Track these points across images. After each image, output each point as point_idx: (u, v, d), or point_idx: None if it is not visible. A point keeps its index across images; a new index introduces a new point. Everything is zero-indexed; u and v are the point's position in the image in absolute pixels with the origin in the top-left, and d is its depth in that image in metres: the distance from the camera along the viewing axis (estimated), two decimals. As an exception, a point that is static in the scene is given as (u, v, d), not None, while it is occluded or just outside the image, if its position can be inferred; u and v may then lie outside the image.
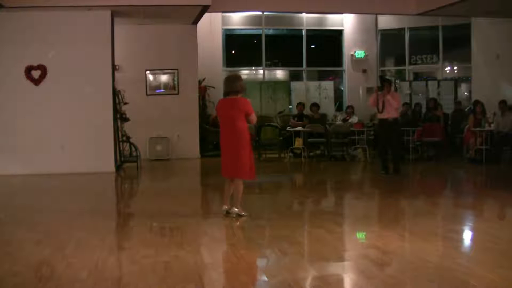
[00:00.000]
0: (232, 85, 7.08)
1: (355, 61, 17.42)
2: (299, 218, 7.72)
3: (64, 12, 11.66)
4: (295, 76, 18.04)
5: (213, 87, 15.76)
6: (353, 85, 17.43)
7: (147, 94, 14.55)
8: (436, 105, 14.73)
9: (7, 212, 8.11)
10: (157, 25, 14.16)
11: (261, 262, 5.42)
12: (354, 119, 14.48)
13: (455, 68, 17.55)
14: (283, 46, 17.92)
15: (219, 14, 15.94)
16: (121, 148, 12.69)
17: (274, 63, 17.71)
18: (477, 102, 13.54)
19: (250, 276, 4.91)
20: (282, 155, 14.46)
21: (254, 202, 8.45)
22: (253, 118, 7.07)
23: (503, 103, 13.03)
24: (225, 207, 7.12)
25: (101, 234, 6.41)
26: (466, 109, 15.15)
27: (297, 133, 13.72)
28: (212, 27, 15.99)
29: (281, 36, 17.99)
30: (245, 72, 17.34)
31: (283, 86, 17.62)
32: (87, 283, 4.62)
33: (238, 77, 7.27)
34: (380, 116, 11.04)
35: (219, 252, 5.79)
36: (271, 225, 6.90)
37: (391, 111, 10.83)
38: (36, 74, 11.75)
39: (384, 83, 11.12)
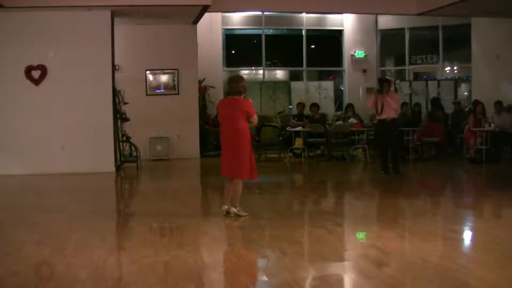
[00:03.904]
0: (234, 85, 7.09)
1: (355, 61, 17.42)
2: (299, 218, 7.73)
3: (64, 12, 11.66)
4: (295, 76, 18.03)
5: (213, 87, 15.77)
6: (353, 85, 17.42)
7: (147, 94, 14.54)
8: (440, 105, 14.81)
9: (7, 212, 8.11)
10: (157, 25, 14.15)
11: (261, 262, 5.43)
12: (352, 120, 14.45)
13: (455, 68, 17.54)
14: (283, 46, 17.90)
15: (219, 14, 15.93)
16: (121, 148, 12.69)
17: (274, 63, 17.70)
18: (477, 102, 13.55)
19: (250, 276, 4.91)
20: (282, 155, 14.45)
21: (254, 202, 8.45)
22: (255, 119, 7.08)
23: (498, 103, 13.10)
24: (225, 207, 7.13)
25: (101, 234, 6.42)
26: (466, 109, 15.16)
27: (297, 133, 13.71)
28: (212, 27, 15.98)
29: (281, 36, 17.97)
30: (245, 72, 17.31)
31: (283, 86, 17.62)
32: (87, 283, 4.62)
33: (240, 78, 7.27)
34: (379, 116, 11.04)
35: (219, 252, 5.80)
36: (271, 225, 6.90)
37: (390, 112, 10.83)
38: (36, 74, 11.75)
39: (384, 83, 11.12)
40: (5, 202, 9.15)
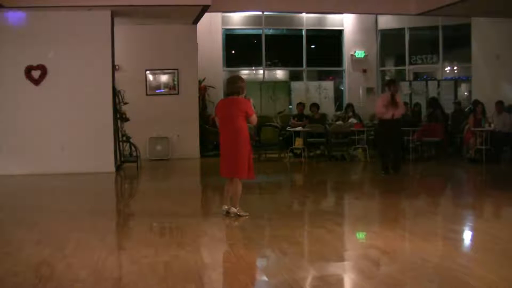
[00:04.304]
0: (233, 86, 7.10)
1: (355, 61, 17.42)
2: (299, 218, 7.73)
3: (64, 12, 11.66)
4: (295, 76, 18.02)
5: (213, 87, 15.77)
6: (353, 85, 17.43)
7: (147, 94, 14.54)
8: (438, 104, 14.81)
9: (7, 212, 8.11)
10: (157, 25, 14.15)
11: (261, 262, 5.42)
12: (352, 120, 14.46)
13: (455, 68, 17.54)
14: (283, 46, 17.89)
15: (219, 14, 15.94)
16: (121, 148, 12.69)
17: (274, 63, 17.69)
18: (477, 102, 13.56)
19: (250, 276, 4.91)
20: (282, 155, 14.45)
21: (254, 202, 8.45)
22: (254, 119, 7.08)
23: (499, 103, 13.11)
24: (225, 207, 7.13)
25: (101, 234, 6.42)
26: (466, 109, 15.16)
27: (297, 133, 13.71)
28: (212, 27, 15.99)
29: (281, 36, 17.96)
30: (245, 72, 17.33)
31: (283, 86, 17.61)
32: (87, 283, 4.62)
33: (239, 78, 7.26)
34: (381, 116, 10.99)
35: (219, 252, 5.80)
36: (271, 225, 6.91)
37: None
38: (36, 74, 11.75)
39: (395, 84, 11.16)
40: (5, 202, 9.14)
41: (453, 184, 11.12)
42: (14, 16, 11.45)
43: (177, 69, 14.62)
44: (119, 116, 12.43)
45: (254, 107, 7.33)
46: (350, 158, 13.70)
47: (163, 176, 12.79)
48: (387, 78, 17.14)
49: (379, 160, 11.65)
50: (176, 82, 14.68)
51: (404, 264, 5.11)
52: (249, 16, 16.85)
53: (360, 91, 17.36)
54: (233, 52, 17.30)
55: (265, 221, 7.14)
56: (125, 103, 12.58)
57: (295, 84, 17.59)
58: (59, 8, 11.47)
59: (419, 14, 14.20)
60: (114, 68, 12.49)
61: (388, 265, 5.09)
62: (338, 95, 17.79)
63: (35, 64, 11.71)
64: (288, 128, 14.28)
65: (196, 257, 5.39)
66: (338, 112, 16.70)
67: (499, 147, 12.88)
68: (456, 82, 16.99)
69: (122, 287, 4.57)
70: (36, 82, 11.74)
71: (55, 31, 11.73)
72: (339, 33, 17.53)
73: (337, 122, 14.69)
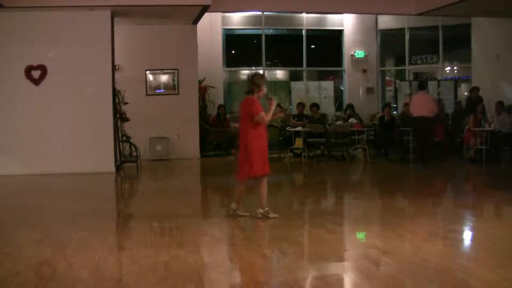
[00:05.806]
0: (248, 84, 7.11)
1: (355, 61, 17.42)
2: (299, 218, 7.73)
3: (64, 12, 11.66)
4: (295, 76, 18.01)
5: (213, 87, 15.76)
6: (353, 85, 17.42)
7: (147, 94, 14.54)
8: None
9: (8, 212, 8.12)
10: (157, 25, 14.15)
11: (261, 262, 5.43)
12: (352, 120, 14.46)
13: (455, 68, 17.54)
14: (283, 46, 17.89)
15: (219, 14, 15.93)
16: (121, 148, 12.69)
17: (274, 63, 17.69)
18: (477, 89, 13.67)
19: (250, 276, 4.91)
20: (282, 155, 14.45)
21: (254, 202, 8.43)
22: (259, 118, 7.04)
23: (499, 103, 13.14)
24: (260, 210, 7.09)
25: (101, 234, 6.43)
26: (465, 94, 15.25)
27: (297, 133, 13.72)
28: (212, 27, 15.97)
29: (281, 36, 17.96)
30: (245, 72, 17.31)
31: (283, 86, 17.61)
32: (87, 283, 4.63)
33: (252, 76, 7.16)
34: (417, 113, 12.04)
35: (219, 252, 5.80)
36: (271, 225, 6.91)
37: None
38: (36, 74, 11.75)
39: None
40: (6, 202, 9.15)
41: (453, 184, 11.12)
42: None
43: (177, 69, 14.61)
44: (119, 116, 12.43)
45: (280, 106, 7.30)
46: (350, 158, 13.70)
47: (163, 176, 12.79)
48: (389, 78, 17.15)
49: (418, 155, 12.36)
50: (176, 82, 14.67)
51: (404, 264, 5.12)
52: (249, 16, 16.84)
53: (360, 91, 17.36)
54: (233, 52, 17.29)
55: (265, 221, 7.14)
56: (125, 103, 12.58)
57: (295, 84, 17.58)
58: (59, 8, 11.47)
59: (419, 14, 14.21)
60: (114, 68, 12.49)
61: (388, 265, 5.09)
62: (338, 95, 17.78)
63: (35, 64, 11.71)
64: (288, 128, 14.27)
65: (196, 257, 5.40)
66: (338, 112, 16.70)
67: (499, 147, 12.88)
68: (456, 82, 16.97)
69: (122, 287, 4.57)
70: (36, 82, 11.74)
71: (55, 31, 11.73)
72: (339, 33, 17.53)
73: (337, 122, 14.68)
